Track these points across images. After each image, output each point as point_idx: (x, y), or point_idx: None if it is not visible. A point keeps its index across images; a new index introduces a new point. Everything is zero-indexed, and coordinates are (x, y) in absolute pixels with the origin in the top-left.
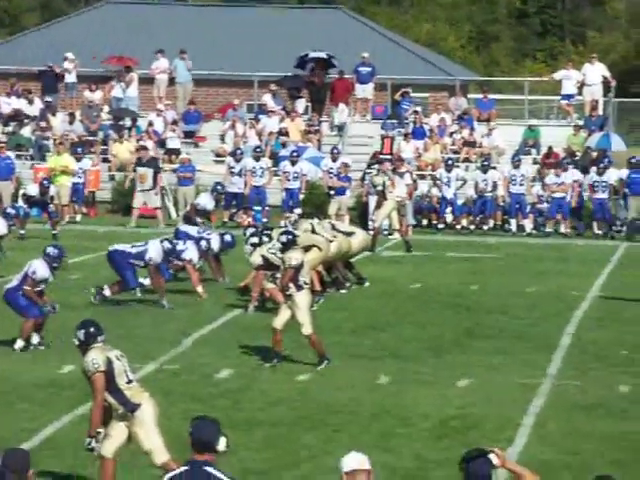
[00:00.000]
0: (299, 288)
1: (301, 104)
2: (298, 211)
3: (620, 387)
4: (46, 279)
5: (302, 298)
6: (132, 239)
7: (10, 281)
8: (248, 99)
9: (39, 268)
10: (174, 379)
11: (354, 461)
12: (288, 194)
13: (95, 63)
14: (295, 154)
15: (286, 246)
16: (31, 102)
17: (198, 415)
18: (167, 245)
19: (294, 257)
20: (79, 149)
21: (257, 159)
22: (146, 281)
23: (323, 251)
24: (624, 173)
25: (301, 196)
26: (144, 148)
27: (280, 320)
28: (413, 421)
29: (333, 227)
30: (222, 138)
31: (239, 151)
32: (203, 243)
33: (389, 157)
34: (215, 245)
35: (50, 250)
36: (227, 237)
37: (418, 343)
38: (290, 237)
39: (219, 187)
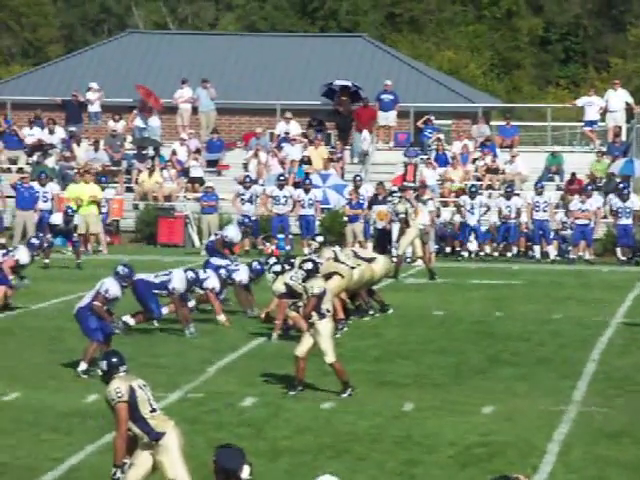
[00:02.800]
0: (321, 316)
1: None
2: (320, 239)
3: None
4: (117, 297)
5: (324, 326)
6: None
7: (81, 299)
8: (271, 127)
9: (112, 286)
10: (199, 407)
11: None
12: (304, 221)
13: (119, 93)
14: (308, 182)
15: (309, 274)
16: (52, 132)
17: (222, 443)
18: (191, 274)
19: (317, 285)
20: (103, 178)
21: (281, 187)
22: (165, 310)
23: (345, 279)
24: None
25: (317, 223)
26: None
27: (302, 348)
28: (437, 449)
29: (355, 254)
30: (245, 166)
31: (248, 178)
32: (222, 272)
33: (412, 184)
34: (244, 276)
35: (120, 269)
36: (255, 265)
37: (442, 370)
38: (313, 265)
39: (247, 220)
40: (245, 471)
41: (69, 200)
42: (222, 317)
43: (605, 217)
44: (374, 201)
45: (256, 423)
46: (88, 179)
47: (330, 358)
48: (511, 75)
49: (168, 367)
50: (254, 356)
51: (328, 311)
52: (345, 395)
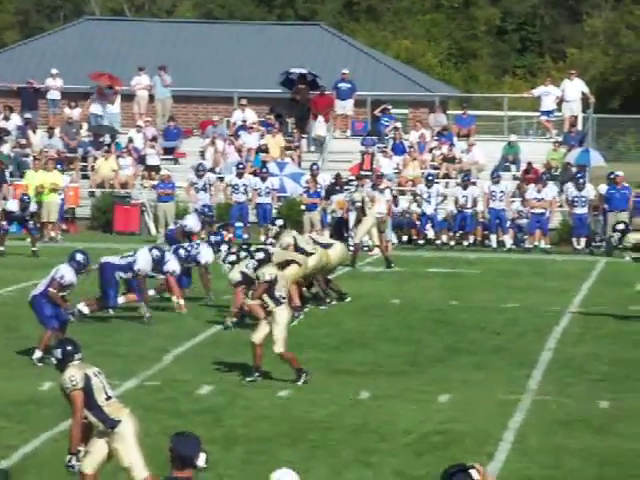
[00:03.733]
0: (277, 303)
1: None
2: (280, 222)
3: (600, 402)
4: (72, 284)
5: (281, 313)
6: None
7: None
8: (228, 115)
9: (67, 273)
10: (155, 395)
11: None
12: (260, 210)
13: (76, 79)
14: (265, 170)
15: (261, 263)
16: (8, 119)
17: (178, 431)
18: (156, 253)
19: (267, 272)
20: (58, 165)
21: (240, 175)
22: (121, 299)
23: (302, 266)
24: (603, 188)
25: (274, 211)
26: None
27: (259, 335)
28: (394, 437)
29: (313, 240)
30: (202, 154)
31: (201, 167)
32: (181, 251)
33: (369, 173)
34: (209, 257)
35: (77, 256)
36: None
37: (399, 359)
38: (264, 254)
39: (206, 209)
40: (201, 459)
41: (28, 187)
42: (181, 301)
43: (561, 206)
44: (332, 190)
45: (213, 411)
46: (50, 167)
47: (278, 348)
48: (468, 64)
49: (124, 355)
50: (211, 344)
51: (283, 298)
52: (301, 382)
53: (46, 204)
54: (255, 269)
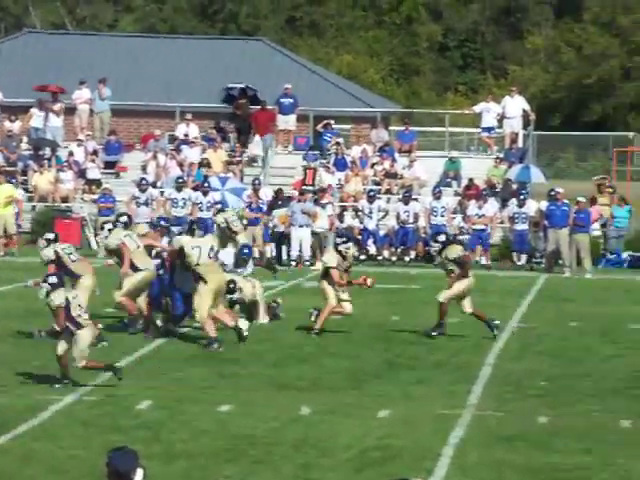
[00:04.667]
0: (78, 326)
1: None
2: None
3: (539, 418)
4: None
5: (83, 335)
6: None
7: None
8: (170, 130)
9: None
10: (94, 410)
11: None
12: (201, 224)
13: (16, 93)
14: (206, 185)
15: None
16: None
17: (116, 446)
18: None
19: (57, 297)
20: (8, 178)
21: (179, 190)
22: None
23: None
24: (543, 205)
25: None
26: None
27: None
28: (334, 452)
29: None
30: (144, 168)
31: (144, 181)
32: None
33: (312, 188)
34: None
35: None
36: None
37: (339, 374)
38: (56, 278)
39: (162, 222)
40: (138, 474)
41: None
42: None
43: (502, 222)
44: (274, 205)
45: (152, 426)
46: (2, 180)
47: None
48: (410, 81)
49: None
50: (151, 358)
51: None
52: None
53: (3, 217)
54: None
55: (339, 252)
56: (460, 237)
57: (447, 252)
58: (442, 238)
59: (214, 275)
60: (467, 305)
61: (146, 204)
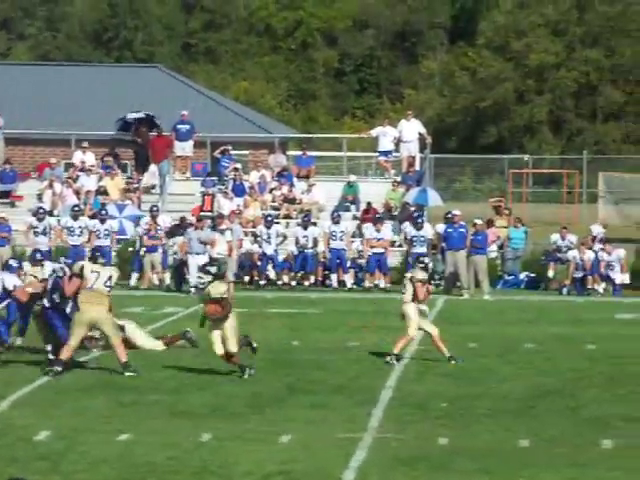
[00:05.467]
0: None
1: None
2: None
3: (439, 439)
4: None
5: None
6: None
7: None
8: (66, 158)
9: None
10: None
11: None
12: (100, 252)
13: None
14: (104, 212)
15: None
16: None
17: (14, 477)
18: None
19: None
20: None
21: (75, 218)
22: None
23: None
24: (441, 228)
25: (113, 254)
26: None
27: None
28: (235, 478)
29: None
30: (39, 197)
31: (41, 210)
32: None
33: (210, 214)
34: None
35: None
36: None
37: (239, 399)
38: None
39: (37, 254)
40: None
41: None
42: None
43: (400, 246)
44: (174, 232)
45: (51, 457)
46: None
47: None
48: (307, 106)
49: None
50: (49, 388)
51: None
52: None
53: None
54: None
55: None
56: (359, 261)
57: (211, 288)
58: (214, 270)
59: (91, 307)
60: None
61: (44, 233)
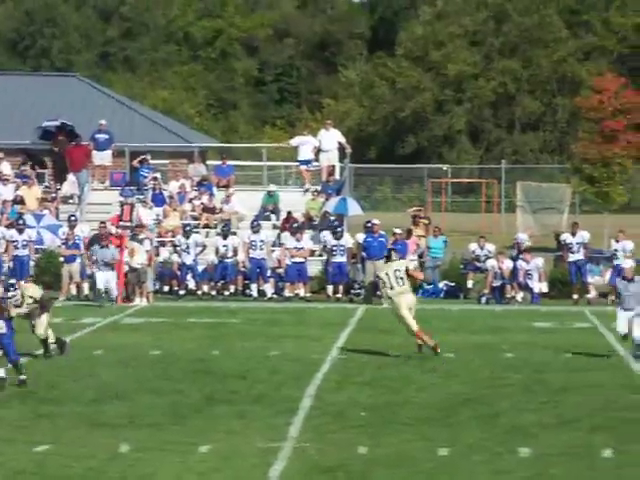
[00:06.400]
0: None
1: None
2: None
3: (359, 448)
4: None
5: None
6: None
7: None
8: None
9: None
10: None
11: None
12: (17, 262)
13: None
14: (21, 222)
15: None
16: None
17: None
18: None
19: None
20: None
21: None
22: None
23: None
24: (360, 237)
25: (32, 263)
26: None
27: None
28: None
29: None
30: None
31: None
32: None
33: (129, 224)
34: None
35: None
36: None
37: (158, 410)
38: None
39: None
40: None
41: None
42: None
43: (320, 255)
44: (94, 241)
45: None
46: None
47: None
48: (227, 115)
49: None
50: None
51: None
52: None
53: None
54: None
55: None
56: (279, 270)
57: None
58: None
59: None
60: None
61: None
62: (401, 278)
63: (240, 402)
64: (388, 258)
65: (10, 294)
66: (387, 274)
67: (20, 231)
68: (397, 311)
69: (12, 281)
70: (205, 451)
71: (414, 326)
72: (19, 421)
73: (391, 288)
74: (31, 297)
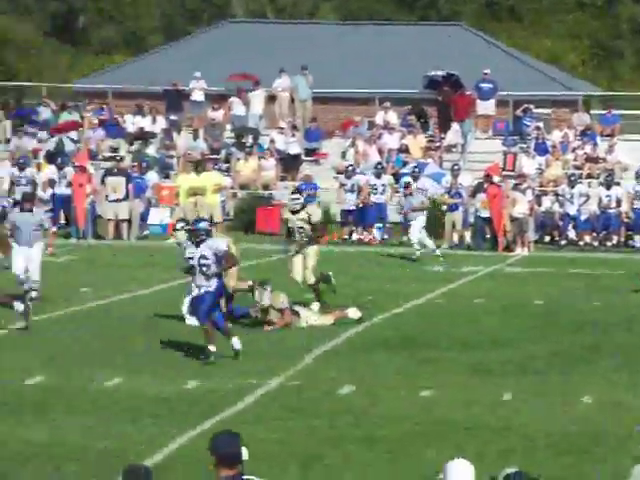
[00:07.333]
0: None
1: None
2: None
3: None
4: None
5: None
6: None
7: None
8: (369, 116)
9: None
10: (296, 395)
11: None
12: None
13: (219, 81)
14: (416, 170)
15: None
16: (155, 121)
17: (215, 432)
18: None
19: None
20: (216, 166)
21: (378, 176)
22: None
23: None
24: None
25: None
26: (117, 159)
27: None
28: (535, 438)
29: None
30: (343, 155)
31: (351, 167)
32: None
33: (512, 173)
34: None
35: None
36: None
37: (542, 359)
38: None
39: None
40: (245, 453)
41: (179, 190)
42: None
43: None
44: (478, 189)
45: (354, 411)
46: (208, 167)
47: None
48: (612, 63)
49: (265, 354)
50: (351, 344)
51: None
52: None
53: (208, 206)
54: None
55: None
56: None
57: None
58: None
59: None
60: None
61: (352, 190)
62: None
63: (624, 354)
64: None
65: None
66: None
67: (415, 179)
68: None
69: None
70: (589, 401)
71: None
72: (402, 367)
73: None
74: None
